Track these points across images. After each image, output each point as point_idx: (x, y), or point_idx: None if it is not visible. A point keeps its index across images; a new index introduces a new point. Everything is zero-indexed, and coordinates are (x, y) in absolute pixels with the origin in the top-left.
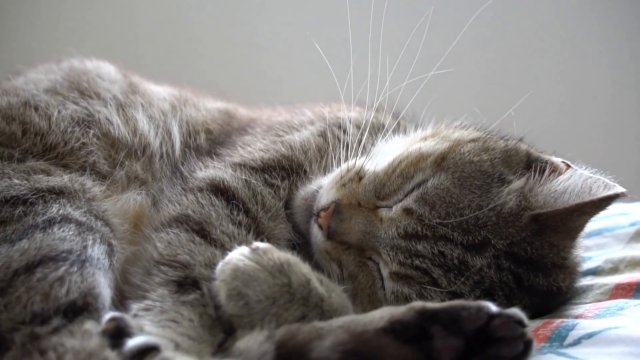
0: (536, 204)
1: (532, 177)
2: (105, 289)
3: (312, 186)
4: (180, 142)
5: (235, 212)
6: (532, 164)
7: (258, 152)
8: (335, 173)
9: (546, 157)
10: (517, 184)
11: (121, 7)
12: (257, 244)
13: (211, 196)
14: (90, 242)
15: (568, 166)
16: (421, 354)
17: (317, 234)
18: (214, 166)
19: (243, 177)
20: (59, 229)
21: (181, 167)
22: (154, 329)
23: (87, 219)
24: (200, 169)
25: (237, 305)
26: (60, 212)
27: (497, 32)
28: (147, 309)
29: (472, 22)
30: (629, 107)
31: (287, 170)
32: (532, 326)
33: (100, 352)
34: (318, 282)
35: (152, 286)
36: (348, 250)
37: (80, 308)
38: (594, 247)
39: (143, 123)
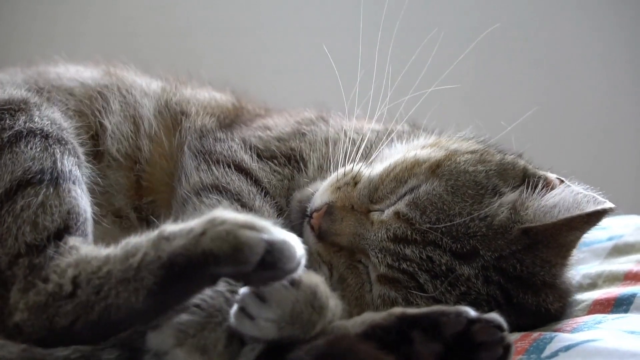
0: (526, 217)
1: (525, 191)
2: (82, 200)
3: (309, 189)
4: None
5: (262, 193)
6: (527, 179)
7: (274, 141)
8: (332, 177)
9: (542, 172)
10: (510, 197)
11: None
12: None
13: (239, 174)
14: (58, 155)
15: (562, 182)
16: (402, 358)
17: (309, 235)
18: (233, 146)
19: (260, 165)
20: (27, 146)
21: (201, 140)
22: None
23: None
24: (221, 144)
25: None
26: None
27: (502, 51)
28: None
29: (482, 39)
30: (629, 126)
31: (293, 163)
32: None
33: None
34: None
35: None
36: (339, 253)
37: (64, 229)
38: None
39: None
